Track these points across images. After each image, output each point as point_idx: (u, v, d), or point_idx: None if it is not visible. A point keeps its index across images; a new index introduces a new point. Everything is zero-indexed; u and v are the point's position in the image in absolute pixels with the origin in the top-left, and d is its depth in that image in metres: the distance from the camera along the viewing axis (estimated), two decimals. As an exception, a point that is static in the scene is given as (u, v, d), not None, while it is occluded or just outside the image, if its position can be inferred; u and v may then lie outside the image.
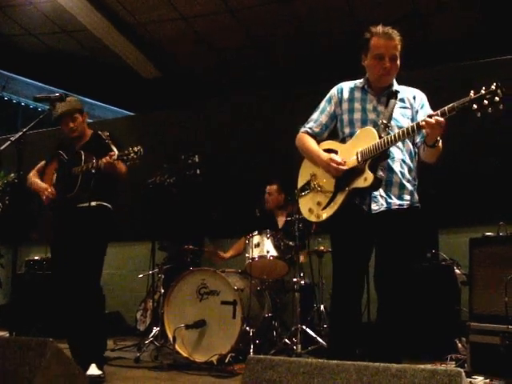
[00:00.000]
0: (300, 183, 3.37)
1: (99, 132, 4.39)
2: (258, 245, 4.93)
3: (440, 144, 2.96)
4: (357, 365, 2.00)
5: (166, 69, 11.62)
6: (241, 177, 6.58)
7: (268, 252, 4.89)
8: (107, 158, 3.93)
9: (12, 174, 8.01)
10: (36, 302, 6.00)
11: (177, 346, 4.66)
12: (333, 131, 3.40)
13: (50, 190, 4.25)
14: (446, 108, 2.74)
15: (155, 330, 5.24)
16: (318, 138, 3.36)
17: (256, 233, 5.01)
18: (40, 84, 14.45)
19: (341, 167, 3.05)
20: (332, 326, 3.36)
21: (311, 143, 3.33)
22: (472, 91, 2.64)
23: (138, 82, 11.76)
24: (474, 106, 2.61)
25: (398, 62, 3.16)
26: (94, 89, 12.24)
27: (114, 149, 4.00)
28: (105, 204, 4.28)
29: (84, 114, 4.42)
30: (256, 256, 4.90)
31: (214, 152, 6.67)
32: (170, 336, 4.71)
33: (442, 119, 2.73)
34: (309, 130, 3.38)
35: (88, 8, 10.11)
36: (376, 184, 2.98)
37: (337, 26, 8.41)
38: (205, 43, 10.68)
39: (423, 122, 2.80)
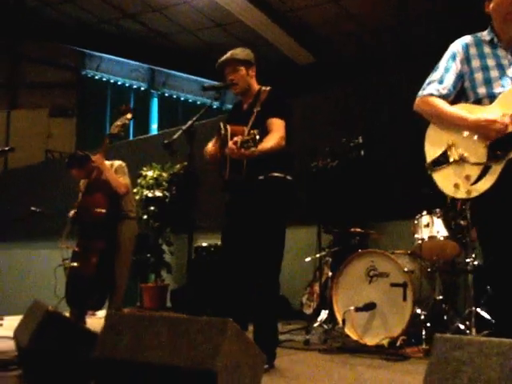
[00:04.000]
0: (431, 155, 2.95)
1: (262, 88, 3.99)
2: (427, 225, 4.73)
3: None
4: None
5: (320, 53, 11.62)
6: (406, 155, 6.34)
7: (438, 232, 4.69)
8: (231, 144, 3.52)
9: (178, 165, 8.36)
10: (206, 287, 6.20)
11: (346, 329, 4.63)
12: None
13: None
14: None
15: (323, 313, 5.23)
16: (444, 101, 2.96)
17: (425, 212, 4.82)
18: (198, 78, 15.03)
19: (505, 126, 2.69)
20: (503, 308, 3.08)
21: (446, 106, 2.92)
22: None
23: (292, 68, 11.87)
24: None
25: None
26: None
27: (245, 131, 3.60)
28: (277, 175, 3.81)
29: (252, 67, 3.98)
30: (426, 237, 4.73)
31: (377, 131, 6.47)
32: (340, 319, 4.67)
33: None
34: (435, 93, 2.96)
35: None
36: None
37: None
38: (357, 24, 10.54)
39: None
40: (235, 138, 3.49)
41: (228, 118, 4.19)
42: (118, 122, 5.52)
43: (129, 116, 5.56)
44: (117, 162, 5.57)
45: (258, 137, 3.37)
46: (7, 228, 11.63)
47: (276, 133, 3.73)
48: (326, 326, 5.13)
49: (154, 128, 15.47)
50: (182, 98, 15.94)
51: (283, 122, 3.80)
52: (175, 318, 2.50)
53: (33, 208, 6.82)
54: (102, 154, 5.41)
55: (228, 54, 3.96)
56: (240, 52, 3.98)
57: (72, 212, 5.69)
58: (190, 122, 3.44)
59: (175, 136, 3.34)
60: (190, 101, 15.86)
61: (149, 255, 8.27)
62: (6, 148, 5.64)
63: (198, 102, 15.64)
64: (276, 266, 3.84)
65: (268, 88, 3.99)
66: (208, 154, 4.06)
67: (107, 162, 5.48)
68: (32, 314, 3.49)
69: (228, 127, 3.78)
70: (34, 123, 14.01)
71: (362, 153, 5.38)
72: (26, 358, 3.37)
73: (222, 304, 3.90)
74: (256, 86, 4.04)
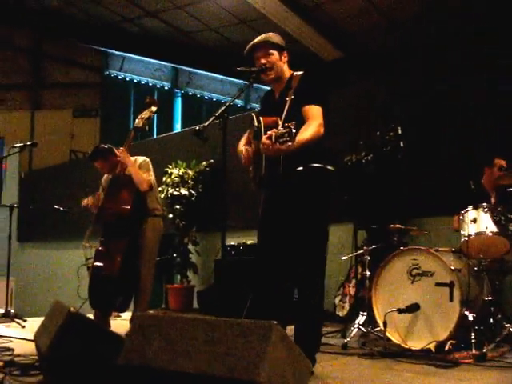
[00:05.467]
0: None
1: (294, 74, 3.69)
2: (474, 220, 4.40)
3: None
4: None
5: (346, 47, 11.37)
6: (444, 147, 5.98)
7: (487, 228, 4.35)
8: (265, 140, 3.21)
9: (204, 163, 8.13)
10: (236, 288, 5.94)
11: (388, 332, 4.32)
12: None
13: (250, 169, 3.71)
14: None
15: (361, 315, 4.94)
16: None
17: (471, 207, 4.49)
18: (222, 77, 14.88)
19: None
20: None
21: None
22: None
23: (319, 64, 11.61)
24: None
25: None
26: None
27: (280, 123, 3.31)
28: (317, 165, 3.52)
29: (284, 53, 3.70)
30: (473, 232, 4.40)
31: (414, 123, 6.11)
32: (380, 321, 4.37)
33: None
34: None
35: (265, -5, 10.15)
36: None
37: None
38: (384, 16, 10.31)
39: None
40: (269, 132, 3.18)
41: (260, 109, 3.95)
42: (143, 115, 5.35)
43: (153, 109, 5.39)
44: (141, 158, 5.38)
45: (294, 130, 3.07)
46: (31, 228, 11.58)
47: (313, 121, 3.45)
48: (364, 329, 4.83)
49: (178, 127, 15.35)
50: (206, 97, 15.79)
51: (320, 108, 3.52)
52: (212, 321, 2.23)
53: (56, 206, 6.65)
54: (127, 147, 5.23)
55: (261, 37, 3.70)
56: (273, 36, 3.72)
57: (85, 200, 5.50)
58: (222, 108, 3.20)
59: (207, 122, 3.10)
60: (214, 100, 15.71)
61: (175, 255, 8.06)
62: (29, 143, 5.50)
63: (222, 101, 15.46)
64: (321, 265, 3.59)
65: (300, 73, 3.71)
66: (243, 158, 3.78)
67: (131, 158, 5.27)
68: (53, 316, 3.25)
69: (261, 119, 3.51)
70: (58, 124, 13.96)
71: (402, 144, 5.08)
72: (46, 362, 3.14)
73: (259, 306, 3.61)
74: (288, 72, 3.77)
